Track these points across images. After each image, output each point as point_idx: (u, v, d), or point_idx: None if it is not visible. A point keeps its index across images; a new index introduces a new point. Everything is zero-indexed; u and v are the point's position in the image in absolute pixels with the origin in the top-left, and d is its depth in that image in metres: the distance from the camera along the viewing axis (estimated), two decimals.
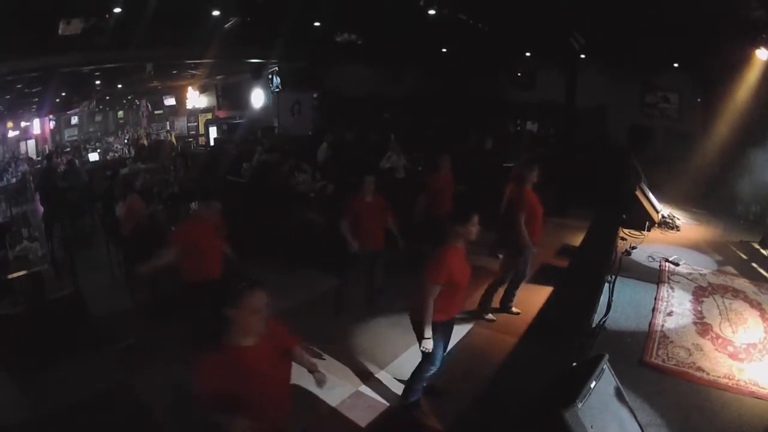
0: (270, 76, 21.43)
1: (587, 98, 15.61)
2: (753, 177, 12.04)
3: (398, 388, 6.10)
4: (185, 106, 28.82)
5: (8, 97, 18.23)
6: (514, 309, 8.00)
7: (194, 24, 11.78)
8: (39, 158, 23.89)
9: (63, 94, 20.41)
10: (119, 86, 22.63)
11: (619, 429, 4.19)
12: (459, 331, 7.41)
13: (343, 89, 21.24)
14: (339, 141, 16.07)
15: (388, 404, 5.86)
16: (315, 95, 21.66)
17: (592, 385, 4.08)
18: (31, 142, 26.18)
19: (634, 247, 10.72)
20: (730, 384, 6.06)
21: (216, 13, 11.23)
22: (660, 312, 7.90)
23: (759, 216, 11.94)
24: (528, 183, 7.70)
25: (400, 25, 13.36)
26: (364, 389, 6.20)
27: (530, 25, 12.72)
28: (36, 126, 26.14)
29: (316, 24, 13.54)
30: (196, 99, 28.41)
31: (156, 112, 29.82)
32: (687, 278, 9.19)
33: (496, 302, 7.95)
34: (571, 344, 6.09)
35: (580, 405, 3.86)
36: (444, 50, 17.60)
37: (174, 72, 21.49)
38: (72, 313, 7.50)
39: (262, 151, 14.44)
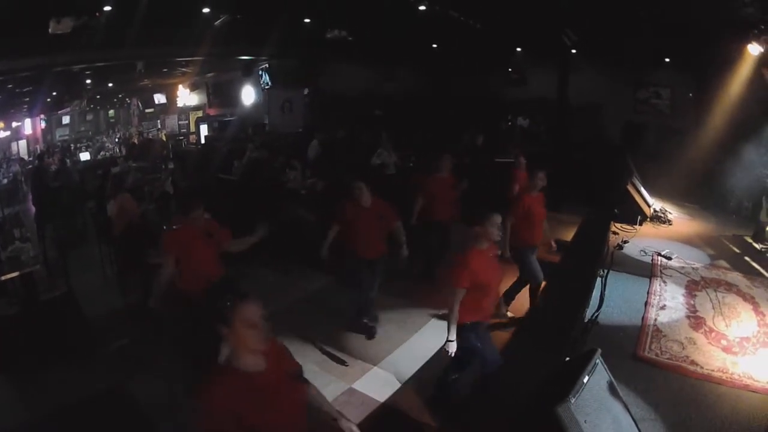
0: (260, 74, 21.38)
1: (579, 95, 15.68)
2: (745, 171, 12.08)
3: (391, 385, 6.11)
4: (176, 104, 28.75)
5: None
6: (507, 312, 7.91)
7: (185, 22, 11.76)
8: (31, 158, 23.80)
9: (54, 93, 20.40)
10: (110, 85, 22.58)
11: (613, 424, 4.18)
12: None
13: (334, 87, 21.22)
14: (330, 138, 16.05)
15: (381, 401, 5.85)
16: (306, 92, 21.63)
17: (585, 380, 4.06)
18: (23, 143, 26.09)
19: (626, 242, 10.74)
20: (724, 377, 6.07)
21: (206, 10, 11.21)
22: (653, 306, 7.91)
23: (751, 210, 11.96)
24: (533, 190, 7.69)
25: (392, 22, 13.36)
26: (358, 386, 6.17)
27: (522, 21, 12.74)
28: (27, 126, 26.06)
29: (307, 21, 13.51)
30: (186, 97, 28.33)
31: (147, 110, 29.72)
32: (679, 272, 9.21)
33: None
34: (564, 339, 6.09)
35: (573, 400, 3.85)
36: (435, 47, 17.60)
37: (165, 70, 21.49)
38: (65, 314, 7.47)
39: (252, 149, 14.39)
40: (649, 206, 12.25)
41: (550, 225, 8.18)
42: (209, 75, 25.58)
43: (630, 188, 11.75)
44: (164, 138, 26.66)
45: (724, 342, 6.88)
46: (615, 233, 11.21)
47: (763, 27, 9.78)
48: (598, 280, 7.40)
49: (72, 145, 26.57)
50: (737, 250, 10.43)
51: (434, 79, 20.24)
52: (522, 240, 7.46)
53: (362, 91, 20.89)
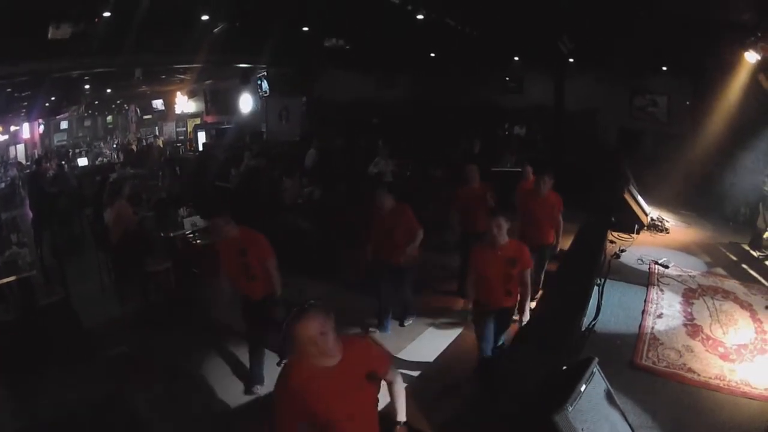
0: (258, 81, 21.40)
1: (576, 102, 15.72)
2: (742, 179, 12.12)
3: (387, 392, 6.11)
4: (174, 111, 28.74)
5: None
6: None
7: (183, 29, 11.75)
8: (29, 163, 23.75)
9: (52, 98, 20.34)
10: (108, 91, 22.56)
11: (611, 431, 4.19)
12: (449, 335, 7.44)
13: (331, 95, 21.23)
14: (327, 146, 16.06)
15: (379, 408, 5.85)
16: (303, 100, 21.64)
17: (583, 389, 4.07)
18: (21, 147, 25.99)
19: (623, 250, 10.75)
20: (721, 385, 6.09)
21: (205, 18, 11.21)
22: (650, 314, 7.93)
23: (748, 218, 11.97)
24: (540, 193, 7.98)
25: (389, 30, 13.38)
26: None
27: (519, 29, 12.76)
28: (25, 130, 25.97)
29: (305, 29, 13.53)
30: (184, 104, 28.30)
31: (145, 117, 29.68)
32: (676, 280, 9.23)
33: None
34: (561, 348, 6.09)
35: (570, 408, 3.86)
36: (433, 55, 17.63)
37: (163, 77, 21.44)
38: (62, 320, 7.46)
39: (250, 156, 14.40)
40: (646, 214, 12.27)
41: None
42: (207, 82, 25.58)
43: (627, 196, 11.76)
44: (161, 145, 26.66)
45: (721, 349, 6.89)
46: (612, 242, 11.22)
47: (760, 34, 9.80)
48: (596, 288, 7.41)
49: (70, 150, 26.53)
50: (734, 258, 10.44)
51: (431, 87, 20.25)
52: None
53: (360, 99, 20.89)
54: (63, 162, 19.48)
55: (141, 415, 5.92)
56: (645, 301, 8.39)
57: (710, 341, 7.12)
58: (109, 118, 31.23)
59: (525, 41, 14.19)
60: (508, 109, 19.32)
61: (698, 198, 13.35)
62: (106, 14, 9.91)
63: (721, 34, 10.45)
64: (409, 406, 5.84)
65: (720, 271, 9.77)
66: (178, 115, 29.05)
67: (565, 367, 4.80)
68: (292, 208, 11.07)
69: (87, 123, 30.18)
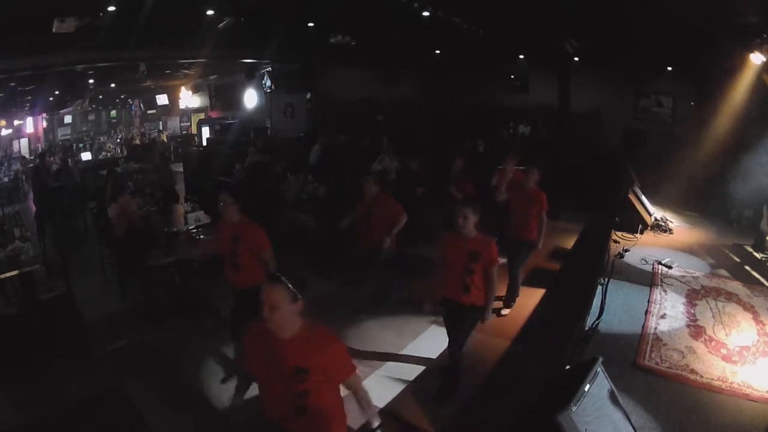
0: (263, 77, 21.41)
1: (581, 102, 15.70)
2: (746, 181, 12.08)
3: (390, 390, 6.09)
4: (178, 105, 28.83)
5: (1, 95, 18.13)
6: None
7: (188, 24, 11.76)
8: (32, 157, 23.79)
9: (56, 92, 20.36)
10: (112, 85, 22.53)
11: (614, 431, 4.19)
12: None
13: (336, 91, 21.25)
14: (331, 143, 16.04)
15: (380, 407, 5.84)
16: (308, 97, 21.64)
17: (586, 389, 4.07)
18: (24, 141, 26.08)
19: (627, 250, 10.73)
20: (723, 386, 6.07)
21: (210, 13, 11.21)
22: (653, 315, 7.91)
23: (752, 219, 11.95)
24: (524, 185, 7.95)
25: (395, 27, 13.36)
26: None
27: (524, 28, 12.74)
28: (29, 124, 26.05)
29: (310, 25, 13.53)
30: (189, 99, 28.39)
31: (149, 111, 29.63)
32: (680, 281, 9.20)
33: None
34: (564, 347, 6.08)
35: (574, 408, 3.86)
36: (438, 53, 17.61)
37: (167, 72, 21.45)
38: (63, 314, 7.47)
39: (254, 152, 14.37)
40: (650, 215, 12.24)
41: (549, 232, 8.18)
42: (212, 77, 25.63)
43: (631, 197, 11.75)
44: (165, 139, 26.69)
45: (723, 351, 6.87)
46: (616, 242, 11.20)
47: (765, 36, 9.79)
48: (599, 288, 7.40)
49: (74, 144, 26.56)
50: (737, 259, 10.41)
51: (436, 85, 20.22)
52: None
53: (364, 95, 20.90)
54: (67, 156, 19.46)
55: (141, 409, 5.91)
56: (648, 301, 8.36)
57: (713, 343, 7.10)
58: (113, 112, 31.22)
59: (530, 40, 14.18)
60: (512, 107, 19.26)
61: (702, 199, 13.31)
62: (111, 8, 9.92)
63: (726, 36, 10.43)
64: (410, 404, 5.89)
65: (723, 272, 9.75)
66: (182, 110, 29.17)
67: (568, 367, 4.80)
68: (293, 204, 11.06)
69: (91, 117, 30.21)
